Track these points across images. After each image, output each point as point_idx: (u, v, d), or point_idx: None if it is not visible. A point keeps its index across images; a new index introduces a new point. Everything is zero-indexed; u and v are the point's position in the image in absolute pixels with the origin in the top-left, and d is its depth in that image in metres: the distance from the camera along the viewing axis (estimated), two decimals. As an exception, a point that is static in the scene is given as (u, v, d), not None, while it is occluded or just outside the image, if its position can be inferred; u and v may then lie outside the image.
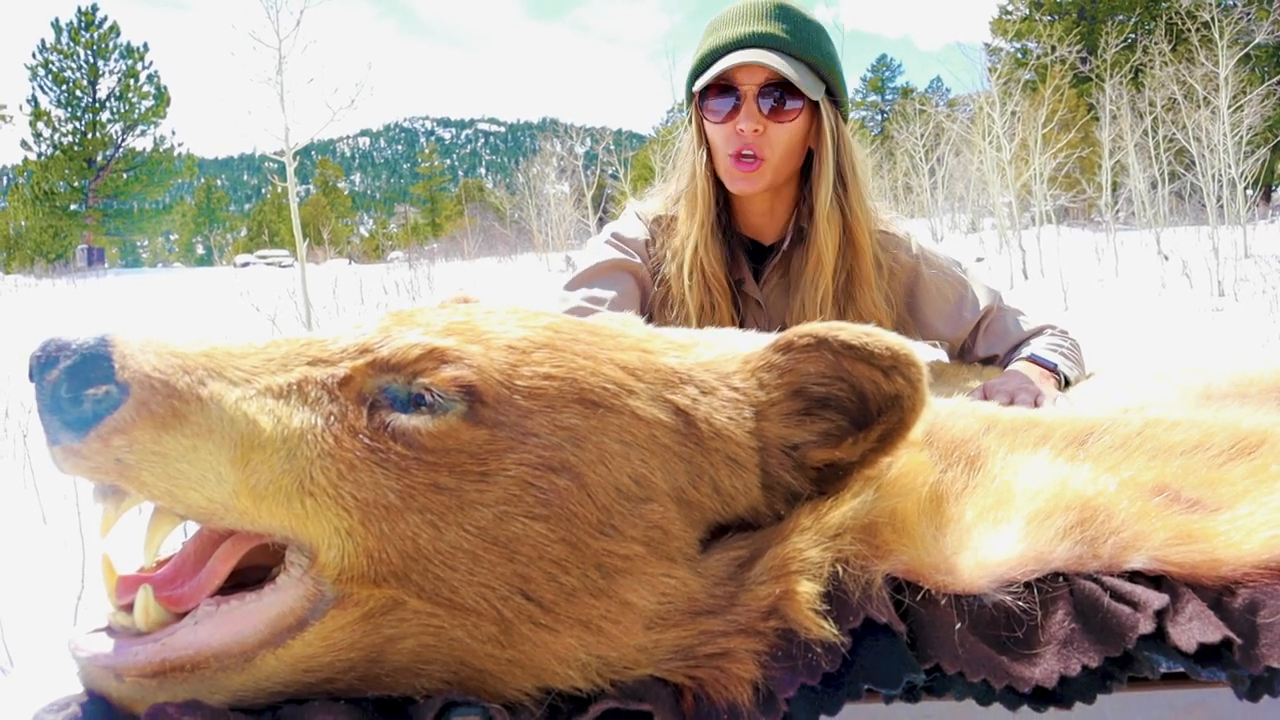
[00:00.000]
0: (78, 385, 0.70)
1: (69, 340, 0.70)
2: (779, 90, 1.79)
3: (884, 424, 0.85)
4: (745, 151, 1.80)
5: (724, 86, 1.81)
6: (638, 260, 1.93)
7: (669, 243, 1.95)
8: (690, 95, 1.91)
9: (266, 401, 0.76)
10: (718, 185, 1.91)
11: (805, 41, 1.81)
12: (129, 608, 0.75)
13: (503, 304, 0.93)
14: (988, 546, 0.88)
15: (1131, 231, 20.77)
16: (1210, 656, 0.82)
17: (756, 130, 1.79)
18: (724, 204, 1.94)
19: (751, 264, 1.97)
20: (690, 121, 1.93)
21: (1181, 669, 0.84)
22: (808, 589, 0.77)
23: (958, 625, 0.81)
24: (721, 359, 0.90)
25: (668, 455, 0.82)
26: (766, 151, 1.81)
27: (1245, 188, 17.33)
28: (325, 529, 0.74)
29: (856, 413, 0.87)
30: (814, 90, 1.79)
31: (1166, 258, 15.16)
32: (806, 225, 1.91)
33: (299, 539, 0.75)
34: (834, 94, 1.87)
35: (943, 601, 0.82)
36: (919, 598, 0.83)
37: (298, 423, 0.76)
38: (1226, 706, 0.91)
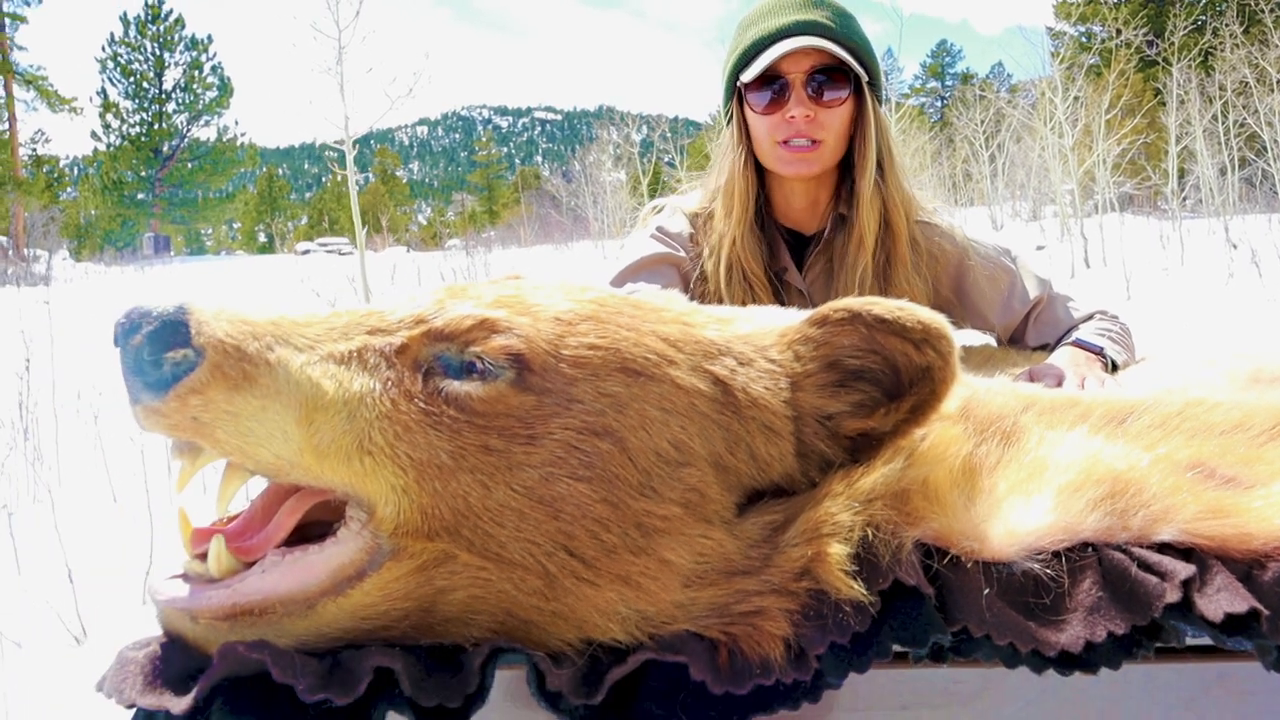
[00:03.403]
0: (158, 349, 0.77)
1: (150, 308, 0.77)
2: (827, 75, 1.81)
3: (915, 395, 0.88)
4: (795, 139, 1.82)
5: (770, 77, 1.83)
6: (682, 254, 1.97)
7: (708, 239, 1.98)
8: (731, 91, 1.93)
9: (329, 367, 0.82)
10: (758, 181, 1.94)
11: (847, 28, 1.84)
12: (203, 557, 0.81)
13: (551, 279, 0.98)
14: (1018, 516, 0.90)
15: (1198, 219, 20.19)
16: (1237, 627, 0.84)
17: (809, 116, 1.81)
18: (764, 198, 1.97)
19: (793, 254, 2.00)
20: (729, 118, 1.96)
21: (1209, 640, 0.86)
22: (838, 551, 0.80)
23: (986, 590, 0.84)
24: (759, 332, 0.94)
25: (706, 422, 0.86)
26: (821, 134, 1.83)
27: (1320, 174, 16.75)
28: (382, 486, 0.79)
29: (889, 384, 0.90)
30: (862, 74, 1.81)
31: (1235, 246, 14.73)
32: (847, 212, 1.93)
33: (358, 495, 0.80)
34: (873, 80, 1.88)
35: (971, 567, 0.85)
36: (947, 563, 0.86)
37: (358, 387, 0.81)
38: (1254, 678, 0.92)
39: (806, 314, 0.94)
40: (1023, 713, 0.93)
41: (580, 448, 0.81)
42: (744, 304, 1.89)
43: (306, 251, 41.48)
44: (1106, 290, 11.54)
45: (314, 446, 0.78)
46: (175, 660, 0.76)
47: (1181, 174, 22.11)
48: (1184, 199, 21.36)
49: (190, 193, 48.15)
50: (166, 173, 46.21)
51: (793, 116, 1.81)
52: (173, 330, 0.77)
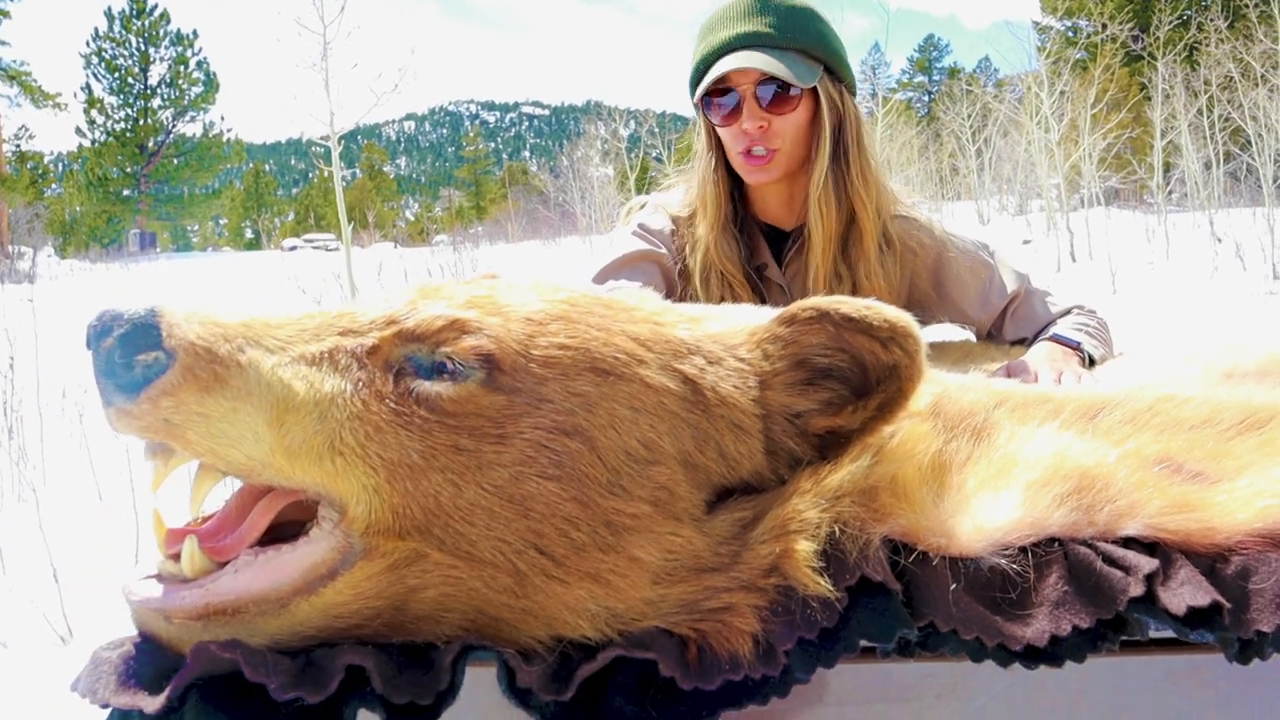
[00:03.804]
0: (129, 351, 0.78)
1: (122, 310, 0.78)
2: (774, 85, 1.82)
3: (883, 393, 0.89)
4: (754, 149, 1.84)
5: (723, 89, 1.84)
6: (663, 250, 1.98)
7: (690, 235, 2.00)
8: (694, 98, 1.94)
9: (300, 368, 0.82)
10: (730, 182, 1.97)
11: (793, 30, 1.83)
12: (177, 557, 0.82)
13: (525, 279, 0.99)
14: (986, 512, 0.91)
15: (1183, 213, 20.31)
16: (1200, 620, 0.85)
17: (761, 126, 1.83)
18: (740, 198, 1.99)
19: (773, 250, 2.01)
20: (699, 126, 1.97)
21: (1173, 633, 0.87)
22: (805, 547, 0.81)
23: (953, 586, 0.85)
24: (729, 331, 0.95)
25: (675, 421, 0.87)
26: (776, 143, 1.85)
27: (1304, 168, 16.85)
28: (354, 486, 0.80)
29: (857, 382, 0.91)
30: (807, 78, 1.81)
31: (1220, 240, 14.83)
32: None
33: (330, 495, 0.81)
34: (834, 71, 1.89)
35: (938, 563, 0.86)
36: (914, 559, 0.87)
37: (329, 388, 0.82)
38: (1219, 671, 0.94)
39: (776, 313, 0.95)
40: (992, 705, 0.94)
41: (550, 447, 0.82)
42: (723, 302, 1.91)
43: (293, 248, 41.35)
44: (1092, 284, 11.61)
45: (285, 447, 0.79)
46: (149, 660, 0.77)
47: (1167, 168, 22.23)
48: (1169, 193, 21.47)
49: (176, 189, 47.90)
50: (152, 169, 45.94)
51: (746, 128, 1.83)
52: (144, 333, 0.77)
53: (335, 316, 0.88)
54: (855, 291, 1.90)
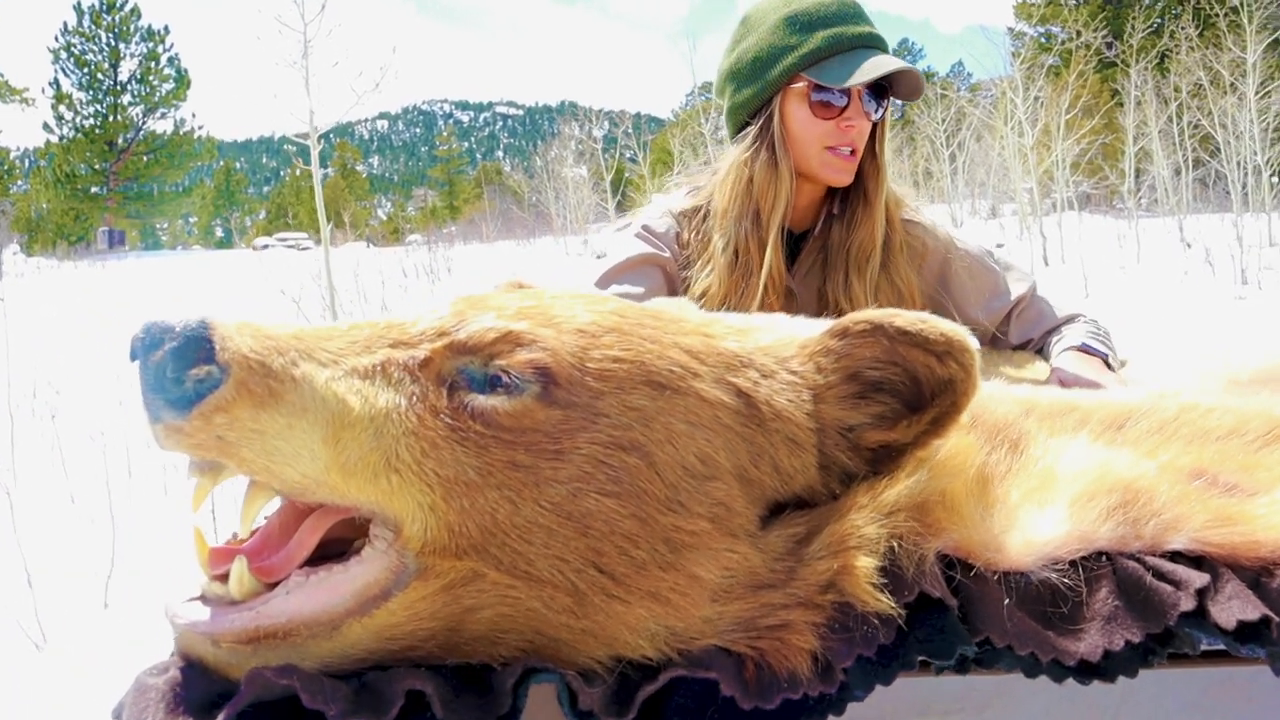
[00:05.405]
0: (181, 366, 0.74)
1: (171, 323, 0.75)
2: (879, 95, 1.85)
3: (937, 407, 0.88)
4: (844, 147, 1.84)
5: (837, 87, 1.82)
6: (667, 254, 1.96)
7: (701, 237, 1.97)
8: (778, 85, 1.88)
9: (354, 382, 0.80)
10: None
11: (884, 41, 1.88)
12: (221, 578, 0.79)
13: (565, 289, 0.97)
14: (1034, 526, 0.91)
15: (1154, 219, 20.60)
16: (1249, 634, 0.85)
17: (860, 129, 1.85)
18: None
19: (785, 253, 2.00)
20: (763, 115, 1.91)
21: (1219, 646, 0.87)
22: (866, 564, 0.80)
23: (1006, 601, 0.85)
24: (779, 343, 0.94)
25: (730, 435, 0.86)
26: (861, 145, 1.87)
27: (1271, 175, 17.15)
28: (409, 504, 0.78)
29: (910, 396, 0.90)
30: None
31: (1190, 245, 15.04)
32: (838, 209, 1.94)
33: (384, 513, 0.79)
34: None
35: (992, 578, 0.85)
36: (966, 574, 0.86)
37: (383, 402, 0.80)
38: (1261, 682, 0.94)
39: (826, 325, 0.94)
40: (1036, 717, 0.94)
41: (608, 462, 0.80)
42: (747, 298, 1.89)
43: (265, 246, 40.95)
44: (1065, 288, 11.73)
45: (341, 464, 0.77)
46: (196, 685, 0.74)
47: (1138, 174, 22.52)
48: (1140, 198, 21.75)
49: (146, 186, 47.33)
50: (121, 166, 45.35)
51: (850, 125, 1.83)
52: (196, 346, 0.75)
53: (384, 328, 0.85)
54: (899, 301, 1.91)
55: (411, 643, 0.78)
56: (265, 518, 0.86)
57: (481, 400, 0.81)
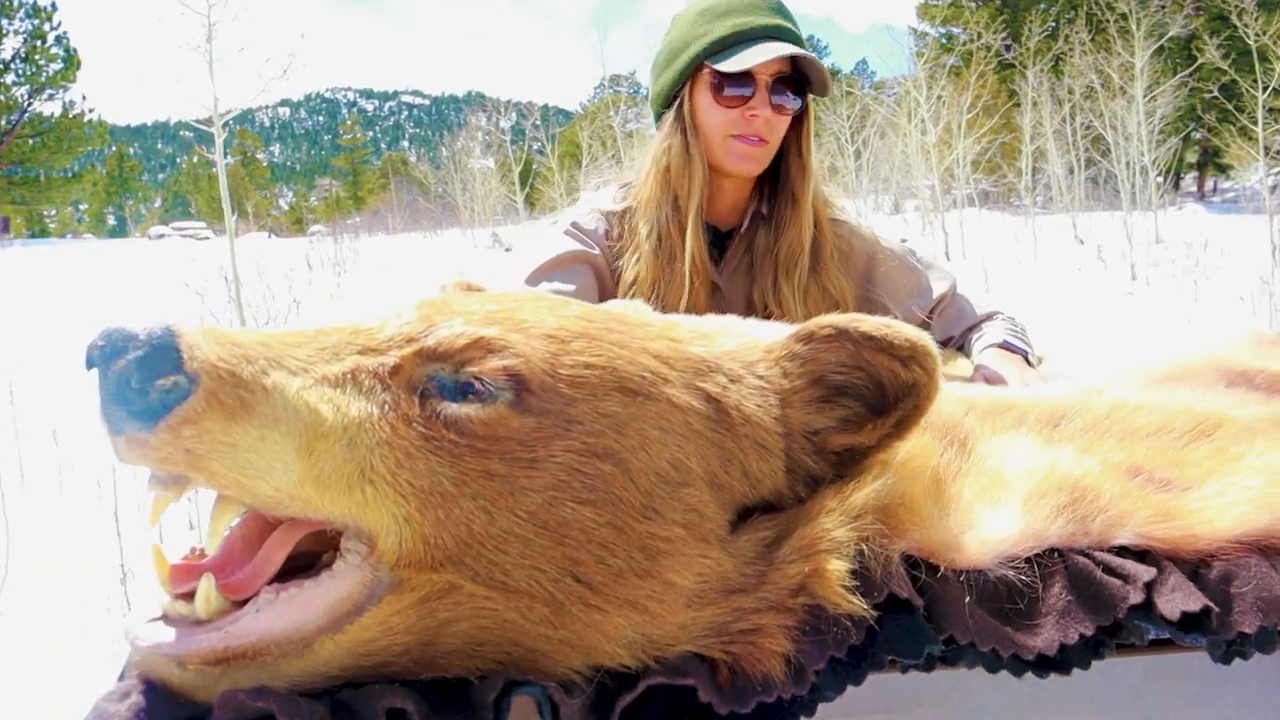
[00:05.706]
0: (147, 376, 0.70)
1: (134, 330, 0.70)
2: (787, 84, 1.84)
3: (901, 411, 0.90)
4: (751, 135, 1.84)
5: (743, 73, 1.82)
6: (596, 251, 1.94)
7: (629, 236, 1.96)
8: (687, 73, 1.89)
9: (325, 391, 0.77)
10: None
11: (801, 38, 1.87)
12: (185, 596, 0.76)
13: (524, 291, 0.96)
14: (989, 525, 0.93)
15: (1050, 216, 21.40)
16: (1191, 624, 0.89)
17: (767, 118, 1.83)
18: None
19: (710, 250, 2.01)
20: (675, 102, 1.92)
21: (1165, 636, 0.91)
22: (837, 566, 0.81)
23: (967, 599, 0.87)
24: (745, 348, 0.94)
25: (701, 441, 0.86)
26: (772, 137, 1.86)
27: (1157, 175, 17.99)
28: (384, 516, 0.75)
29: (873, 400, 0.92)
30: (821, 89, 1.87)
31: (1082, 242, 15.67)
32: (766, 210, 1.96)
33: (359, 526, 0.76)
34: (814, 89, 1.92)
35: (954, 577, 0.88)
36: (928, 573, 0.88)
37: (356, 412, 0.77)
38: (1200, 668, 0.99)
39: (790, 329, 0.95)
40: (988, 706, 0.97)
41: (583, 470, 0.79)
42: (678, 297, 1.89)
43: (162, 236, 39.45)
44: (966, 282, 12.09)
45: (315, 477, 0.74)
46: (162, 711, 0.71)
47: (1034, 173, 23.35)
48: (1036, 196, 22.56)
49: (32, 171, 44.98)
50: (5, 149, 43.02)
51: (754, 114, 1.82)
52: (163, 355, 0.70)
53: (351, 333, 0.82)
54: (830, 306, 1.93)
55: (386, 658, 0.76)
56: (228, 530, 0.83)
57: (454, 408, 0.79)
